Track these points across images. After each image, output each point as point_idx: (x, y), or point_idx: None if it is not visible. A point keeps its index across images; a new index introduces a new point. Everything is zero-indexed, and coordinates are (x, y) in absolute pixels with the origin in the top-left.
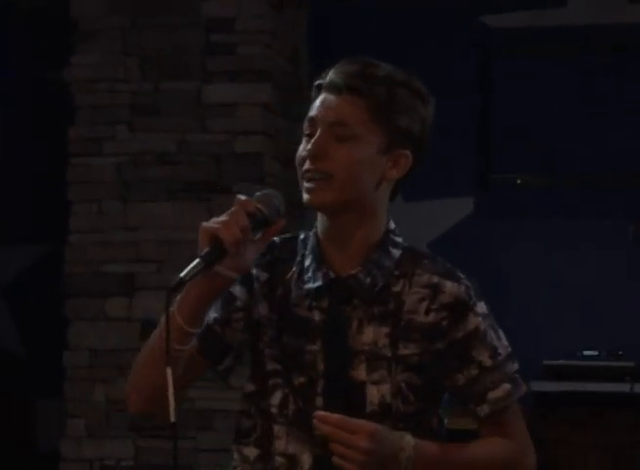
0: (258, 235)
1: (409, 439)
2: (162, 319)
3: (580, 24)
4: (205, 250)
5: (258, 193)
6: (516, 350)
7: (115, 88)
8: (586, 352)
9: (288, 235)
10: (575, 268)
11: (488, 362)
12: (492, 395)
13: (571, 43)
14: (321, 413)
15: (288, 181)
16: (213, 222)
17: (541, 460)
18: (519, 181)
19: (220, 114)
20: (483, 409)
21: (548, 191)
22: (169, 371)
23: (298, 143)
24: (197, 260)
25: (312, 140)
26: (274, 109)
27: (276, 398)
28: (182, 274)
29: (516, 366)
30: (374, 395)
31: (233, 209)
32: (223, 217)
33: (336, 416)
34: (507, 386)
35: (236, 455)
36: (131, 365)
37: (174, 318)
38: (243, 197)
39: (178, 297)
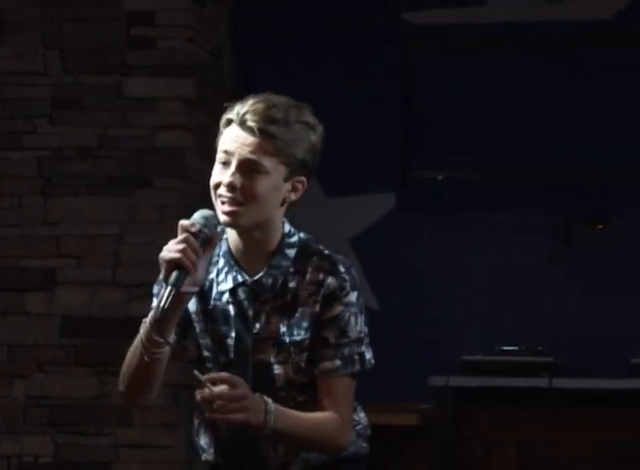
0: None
1: (265, 397)
2: (141, 331)
3: (499, 22)
4: (172, 276)
5: (196, 215)
6: (434, 345)
7: (36, 81)
8: (505, 348)
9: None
10: (495, 264)
11: (332, 340)
12: (323, 365)
13: (489, 40)
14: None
15: (209, 176)
16: (169, 251)
17: (459, 455)
18: (439, 177)
19: (141, 108)
20: (316, 371)
21: (468, 187)
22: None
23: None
24: (168, 288)
25: (229, 172)
26: (196, 103)
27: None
28: (162, 304)
29: (361, 349)
30: (280, 372)
31: (183, 236)
32: (177, 245)
33: (209, 377)
34: (338, 362)
35: (198, 449)
36: (50, 361)
37: (150, 333)
38: (186, 222)
39: (150, 314)
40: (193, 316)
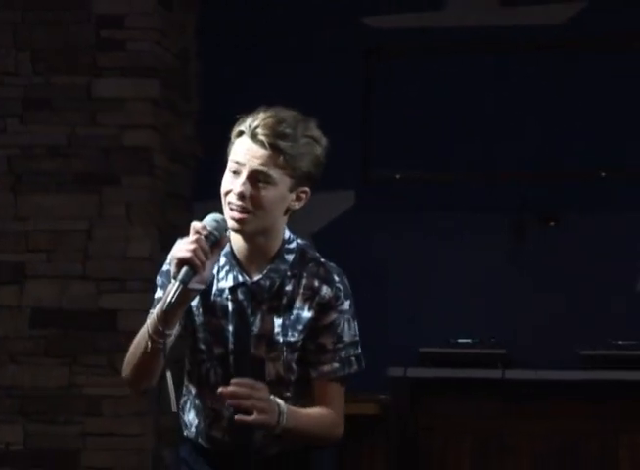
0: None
1: (278, 399)
2: (148, 322)
3: (457, 27)
4: (182, 273)
5: (207, 218)
6: (392, 337)
7: (7, 82)
8: (461, 340)
9: None
10: (452, 259)
11: (329, 346)
12: (322, 369)
13: (448, 44)
14: (223, 390)
15: (175, 174)
16: (181, 250)
17: (416, 445)
18: (398, 176)
19: (110, 108)
20: (313, 373)
21: (426, 186)
22: (169, 374)
23: (186, 137)
24: (177, 284)
25: (239, 181)
26: (162, 104)
27: (203, 369)
28: (170, 299)
29: (357, 352)
30: (271, 369)
31: (194, 236)
32: (188, 245)
33: (236, 381)
34: (335, 365)
35: (181, 423)
36: (20, 352)
37: (156, 324)
38: (198, 224)
39: (157, 307)
40: (193, 310)
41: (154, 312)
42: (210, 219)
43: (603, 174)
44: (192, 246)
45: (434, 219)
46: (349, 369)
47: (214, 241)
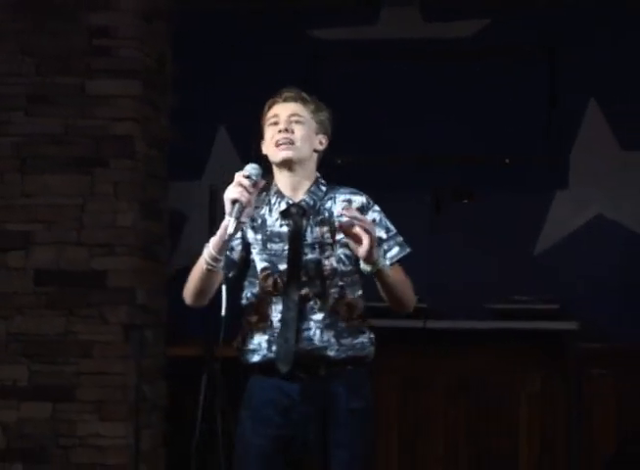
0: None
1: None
2: (206, 247)
3: (389, 38)
4: (235, 210)
5: (247, 166)
6: None
7: (13, 81)
8: None
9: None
10: None
11: (384, 236)
12: (389, 254)
13: (379, 53)
14: (347, 212)
15: (153, 158)
16: (230, 192)
17: None
18: (339, 161)
19: (100, 103)
20: (385, 261)
21: (362, 168)
22: (224, 287)
23: (163, 128)
24: (232, 220)
25: (281, 123)
26: (143, 100)
27: (269, 281)
28: (229, 231)
29: (400, 238)
30: (327, 264)
31: (238, 180)
32: (236, 188)
33: (355, 214)
34: (397, 248)
35: (245, 359)
36: (26, 305)
37: (209, 250)
38: (240, 173)
39: (211, 240)
40: (252, 243)
41: (209, 245)
42: (249, 167)
43: (507, 161)
44: (238, 188)
45: (370, 195)
46: (406, 249)
47: (254, 182)
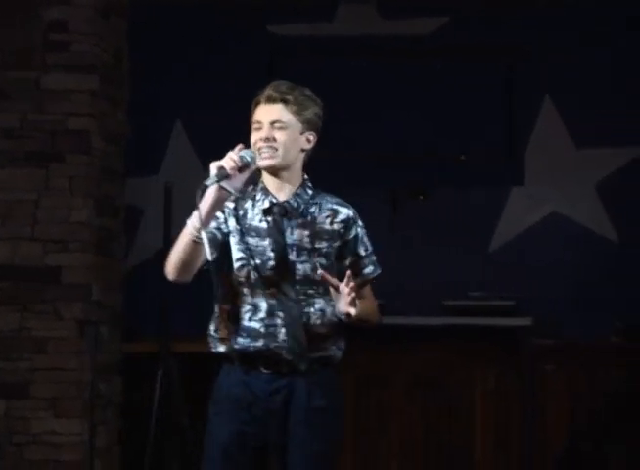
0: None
1: None
2: (190, 219)
3: (346, 35)
4: (217, 172)
5: (241, 149)
6: None
7: None
8: None
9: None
10: None
11: (363, 253)
12: (364, 271)
13: (339, 50)
14: (322, 272)
15: (109, 153)
16: (219, 162)
17: None
18: None
19: (56, 98)
20: (357, 280)
21: (320, 166)
22: (204, 234)
23: (120, 123)
24: (213, 180)
25: (263, 131)
26: (100, 95)
27: (243, 272)
28: (205, 182)
29: (375, 257)
30: (300, 269)
31: (230, 155)
32: (224, 159)
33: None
34: (371, 267)
35: (216, 345)
36: None
37: (193, 221)
38: (232, 151)
39: (194, 212)
40: (232, 231)
41: (192, 217)
42: (244, 150)
43: (463, 157)
44: (226, 158)
45: (328, 192)
46: (378, 271)
47: (245, 162)
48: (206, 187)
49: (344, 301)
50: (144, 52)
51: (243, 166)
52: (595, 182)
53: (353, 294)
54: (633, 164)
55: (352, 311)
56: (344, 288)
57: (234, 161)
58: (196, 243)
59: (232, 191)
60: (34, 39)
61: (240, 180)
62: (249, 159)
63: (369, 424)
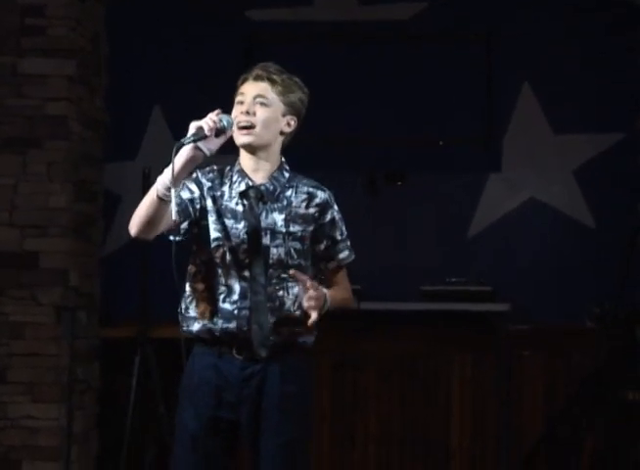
0: (220, 138)
1: (324, 289)
2: (160, 176)
3: (324, 20)
4: (194, 132)
5: (219, 114)
6: None
7: None
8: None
9: (220, 166)
10: None
11: (339, 237)
12: (339, 256)
13: (317, 35)
14: (294, 272)
15: (87, 139)
16: (199, 122)
17: None
18: None
19: (33, 83)
20: (332, 264)
21: (296, 149)
22: (173, 191)
23: (97, 108)
24: (190, 137)
25: (245, 104)
26: (77, 80)
27: (218, 253)
28: (182, 140)
29: (349, 242)
30: (274, 253)
31: (210, 116)
32: (203, 119)
33: (310, 296)
34: (346, 252)
35: (188, 324)
36: None
37: (163, 179)
38: (212, 113)
39: (165, 171)
40: (209, 210)
41: (162, 175)
42: (223, 114)
43: (441, 143)
44: (206, 119)
45: (305, 176)
46: (353, 255)
47: (222, 127)
48: (182, 145)
49: (306, 303)
50: (121, 37)
51: (220, 130)
52: (573, 168)
53: (312, 303)
54: (611, 150)
55: (312, 316)
56: (308, 293)
57: (213, 121)
58: (162, 200)
59: (207, 152)
60: (10, 24)
61: (215, 144)
62: (225, 123)
63: (346, 409)
